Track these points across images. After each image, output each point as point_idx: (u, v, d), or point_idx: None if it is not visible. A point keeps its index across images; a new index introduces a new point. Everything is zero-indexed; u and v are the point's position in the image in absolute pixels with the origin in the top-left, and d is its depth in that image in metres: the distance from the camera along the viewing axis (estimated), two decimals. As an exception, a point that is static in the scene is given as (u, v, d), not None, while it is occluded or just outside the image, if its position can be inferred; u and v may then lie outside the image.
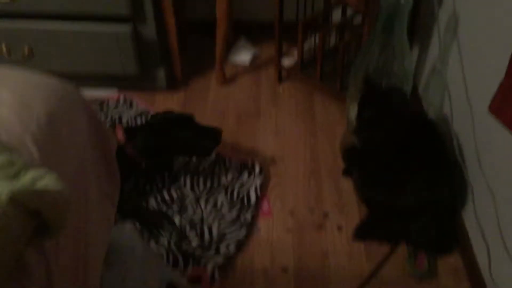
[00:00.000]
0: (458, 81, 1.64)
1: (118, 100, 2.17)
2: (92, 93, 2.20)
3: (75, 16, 1.93)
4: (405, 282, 1.50)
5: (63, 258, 0.59)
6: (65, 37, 1.97)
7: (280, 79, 2.29)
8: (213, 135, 1.74)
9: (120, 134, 1.64)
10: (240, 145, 1.98)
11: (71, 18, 1.94)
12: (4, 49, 1.96)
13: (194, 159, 1.87)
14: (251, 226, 1.67)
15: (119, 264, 0.89)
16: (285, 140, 2.01)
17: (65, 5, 1.89)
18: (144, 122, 2.00)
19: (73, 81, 2.13)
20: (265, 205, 1.75)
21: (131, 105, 2.15)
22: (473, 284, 1.48)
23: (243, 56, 2.43)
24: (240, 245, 1.60)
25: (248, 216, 1.68)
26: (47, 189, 0.50)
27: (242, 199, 1.74)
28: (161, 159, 1.77)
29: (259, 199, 1.75)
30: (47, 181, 0.50)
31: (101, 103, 2.16)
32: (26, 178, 0.49)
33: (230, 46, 2.48)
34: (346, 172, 1.82)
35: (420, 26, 2.09)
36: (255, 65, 2.42)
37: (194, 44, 2.50)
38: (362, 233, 1.62)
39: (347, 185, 1.81)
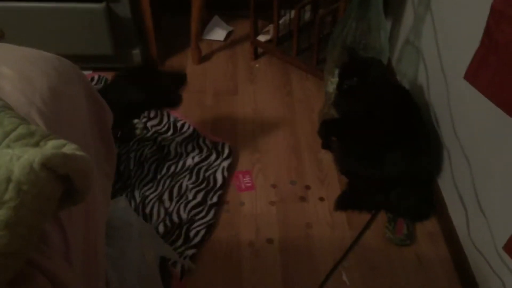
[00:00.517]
0: (432, 51, 1.68)
1: (92, 79, 2.15)
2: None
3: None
4: (386, 248, 1.56)
5: (76, 228, 0.60)
6: (37, 17, 1.93)
7: (256, 55, 2.30)
8: (178, 79, 1.70)
9: None
10: (219, 122, 1.99)
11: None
12: (-27, 30, 1.90)
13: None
14: (219, 208, 1.67)
15: (117, 240, 0.90)
16: (264, 116, 2.03)
17: (36, -16, 1.85)
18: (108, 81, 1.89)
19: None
20: (247, 180, 1.78)
21: (106, 83, 2.13)
22: (450, 247, 1.55)
23: (218, 33, 2.43)
24: (210, 229, 1.59)
25: (215, 198, 1.68)
26: (75, 154, 0.50)
27: (208, 181, 1.74)
28: (133, 116, 1.74)
29: (226, 181, 1.75)
30: (71, 148, 0.51)
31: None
32: (49, 146, 0.50)
33: (205, 24, 2.47)
34: (325, 146, 1.86)
35: (392, -1, 2.12)
36: (230, 43, 2.42)
37: (168, 23, 2.48)
38: (343, 203, 1.67)
39: (327, 157, 1.85)
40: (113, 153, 0.84)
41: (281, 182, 1.77)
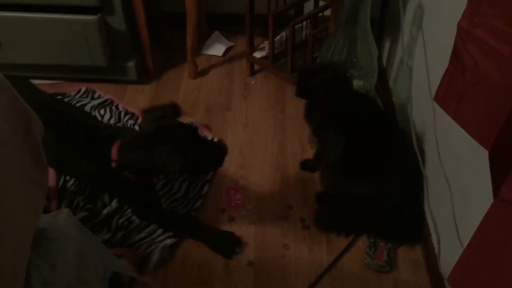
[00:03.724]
0: (422, 73, 1.64)
1: (79, 90, 2.16)
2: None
3: (43, 6, 1.92)
4: (364, 273, 1.50)
5: None
6: (33, 27, 1.96)
7: (252, 71, 2.28)
8: (218, 150, 1.45)
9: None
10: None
11: (39, 8, 1.92)
12: (-31, 38, 1.95)
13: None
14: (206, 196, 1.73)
15: (50, 252, 0.88)
16: (254, 132, 2.00)
17: (33, -5, 1.88)
18: (141, 133, 1.48)
19: (42, 72, 2.14)
20: (238, 197, 1.75)
21: (93, 95, 2.13)
22: (431, 276, 1.48)
23: (217, 48, 2.43)
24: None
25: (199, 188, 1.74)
26: None
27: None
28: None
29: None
30: None
31: (63, 94, 2.14)
32: None
33: (204, 39, 2.47)
34: (303, 166, 1.82)
35: (389, 19, 2.08)
36: (228, 58, 2.41)
37: (168, 36, 2.48)
38: (323, 222, 1.61)
39: (312, 177, 1.80)
40: (43, 162, 0.83)
41: (263, 201, 1.73)
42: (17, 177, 0.74)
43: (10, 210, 0.71)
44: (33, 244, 0.83)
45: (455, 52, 1.00)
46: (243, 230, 1.62)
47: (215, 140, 1.77)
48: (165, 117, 1.41)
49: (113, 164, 1.35)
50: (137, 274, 1.18)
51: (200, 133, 1.45)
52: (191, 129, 1.36)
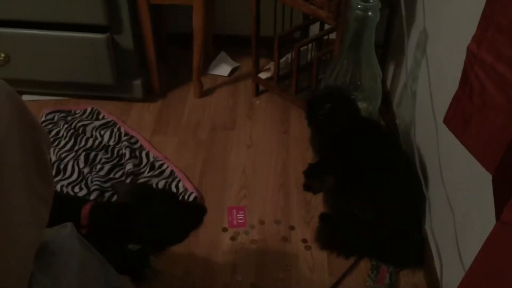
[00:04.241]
0: (425, 96, 1.65)
1: (85, 110, 2.17)
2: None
3: (52, 24, 1.95)
4: (366, 296, 1.49)
5: None
6: (41, 44, 1.99)
7: (257, 92, 2.30)
8: (196, 213, 1.36)
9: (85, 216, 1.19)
10: (211, 156, 1.98)
11: (48, 26, 1.96)
12: (-20, 54, 1.98)
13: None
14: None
15: (54, 265, 0.88)
16: (258, 152, 2.01)
17: (42, 13, 1.91)
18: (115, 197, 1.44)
19: (50, 88, 2.17)
20: (240, 216, 1.75)
21: (97, 116, 2.15)
22: (433, 301, 1.47)
23: (223, 69, 2.45)
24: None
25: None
26: None
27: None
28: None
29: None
30: None
31: (68, 111, 2.16)
32: None
33: (211, 59, 2.50)
34: (307, 188, 1.81)
35: (393, 43, 2.11)
36: (234, 79, 2.43)
37: (175, 56, 2.52)
38: (325, 242, 1.60)
39: (315, 199, 1.80)
40: (49, 176, 0.84)
41: (265, 221, 1.72)
42: (23, 190, 0.75)
43: (16, 222, 0.71)
44: (35, 257, 0.83)
45: (464, 75, 1.02)
46: (245, 249, 1.62)
47: (194, 194, 1.76)
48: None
49: (82, 230, 1.16)
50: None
51: (178, 198, 1.39)
52: (170, 196, 1.32)
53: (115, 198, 1.42)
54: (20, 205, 0.74)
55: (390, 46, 2.16)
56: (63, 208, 1.15)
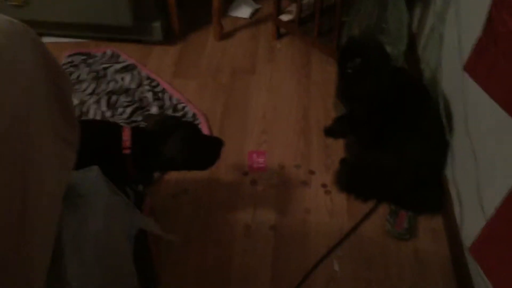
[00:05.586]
0: (453, 40, 1.59)
1: (104, 53, 2.16)
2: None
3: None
4: (384, 240, 1.51)
5: None
6: (59, -15, 1.96)
7: (278, 35, 2.25)
8: (216, 144, 1.41)
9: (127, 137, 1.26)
10: (232, 101, 1.97)
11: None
12: (-1, -5, 1.96)
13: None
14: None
15: (81, 207, 0.91)
16: (278, 97, 1.99)
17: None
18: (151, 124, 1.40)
19: (69, 30, 2.15)
20: (261, 160, 1.76)
21: (117, 59, 2.14)
22: (451, 246, 1.48)
23: (244, 10, 2.40)
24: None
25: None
26: None
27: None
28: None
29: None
30: None
31: (88, 54, 2.15)
32: None
33: (231, 1, 2.44)
34: (327, 133, 1.79)
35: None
36: (255, 21, 2.38)
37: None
38: (346, 185, 1.61)
39: (336, 144, 1.80)
40: (73, 120, 0.85)
41: (285, 165, 1.73)
42: (49, 133, 0.76)
43: (44, 166, 0.73)
44: (63, 199, 0.85)
45: (489, 21, 0.98)
46: (265, 193, 1.64)
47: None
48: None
49: (126, 151, 1.25)
50: (163, 232, 1.21)
51: (201, 130, 1.44)
52: (193, 127, 1.39)
53: None
54: (48, 149, 0.75)
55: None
56: (106, 131, 1.29)
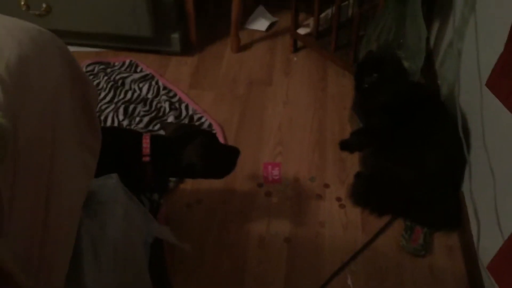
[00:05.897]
0: (472, 56, 1.59)
1: (123, 63, 2.19)
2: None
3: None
4: (399, 256, 1.50)
5: (18, 189, 0.60)
6: (82, -4, 1.99)
7: (295, 48, 2.27)
8: (233, 153, 1.43)
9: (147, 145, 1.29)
10: (248, 112, 1.98)
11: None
12: (22, 2, 1.99)
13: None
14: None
15: (100, 214, 0.92)
16: (294, 109, 2.00)
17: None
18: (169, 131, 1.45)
19: (89, 39, 2.19)
20: (276, 173, 1.76)
21: (136, 69, 2.16)
22: (467, 263, 1.47)
23: (261, 23, 2.42)
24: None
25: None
26: None
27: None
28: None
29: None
30: None
31: (107, 63, 2.18)
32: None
33: (248, 14, 2.46)
34: (343, 146, 1.79)
35: (440, -1, 2.02)
36: (272, 34, 2.40)
37: (213, 10, 2.49)
38: (361, 199, 1.61)
39: (351, 158, 1.79)
40: (97, 129, 0.86)
41: (300, 178, 1.73)
42: (74, 141, 0.77)
43: (68, 173, 0.74)
44: (84, 206, 0.87)
45: (511, 37, 0.98)
46: (280, 205, 1.64)
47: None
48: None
49: (145, 158, 1.27)
50: (178, 241, 1.22)
51: (218, 138, 1.46)
52: (211, 135, 1.41)
53: None
54: (72, 156, 0.77)
55: (436, 2, 2.07)
56: (126, 139, 1.32)
